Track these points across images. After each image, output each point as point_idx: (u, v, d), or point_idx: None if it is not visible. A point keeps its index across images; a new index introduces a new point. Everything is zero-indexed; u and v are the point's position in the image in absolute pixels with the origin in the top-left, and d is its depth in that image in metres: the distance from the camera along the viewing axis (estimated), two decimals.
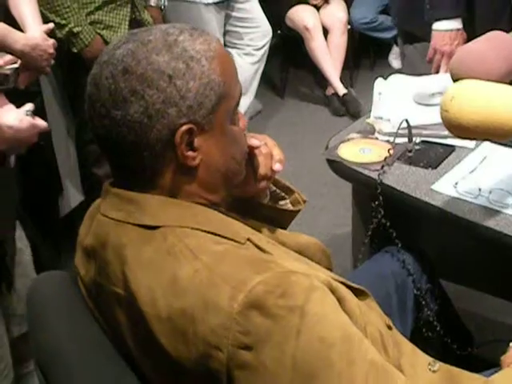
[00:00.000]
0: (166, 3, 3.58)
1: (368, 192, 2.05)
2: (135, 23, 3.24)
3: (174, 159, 1.24)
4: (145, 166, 1.25)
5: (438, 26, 2.65)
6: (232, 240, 1.24)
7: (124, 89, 1.20)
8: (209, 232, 1.24)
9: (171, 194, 1.27)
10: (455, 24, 2.62)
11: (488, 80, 1.52)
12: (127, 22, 3.20)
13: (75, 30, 3.02)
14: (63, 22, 3.00)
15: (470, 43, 1.60)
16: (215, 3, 4.17)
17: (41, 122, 2.12)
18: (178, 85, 1.21)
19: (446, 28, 2.63)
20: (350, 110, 5.03)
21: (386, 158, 2.05)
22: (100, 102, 1.22)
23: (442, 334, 1.91)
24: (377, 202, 1.96)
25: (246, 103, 4.54)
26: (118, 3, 3.15)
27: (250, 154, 1.43)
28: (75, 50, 3.07)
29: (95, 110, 1.24)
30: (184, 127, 1.22)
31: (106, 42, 3.11)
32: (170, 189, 1.27)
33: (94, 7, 3.09)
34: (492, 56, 1.55)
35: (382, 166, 2.02)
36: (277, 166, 1.49)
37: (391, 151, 2.07)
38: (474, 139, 2.00)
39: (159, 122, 1.20)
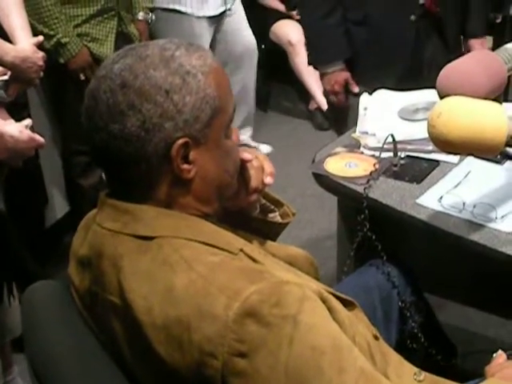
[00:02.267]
0: (154, 18, 3.59)
1: (353, 206, 2.07)
2: (122, 36, 3.28)
3: (169, 172, 1.27)
4: (141, 178, 1.27)
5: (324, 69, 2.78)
6: (226, 251, 1.26)
7: (122, 102, 1.22)
8: (203, 243, 1.26)
9: (166, 206, 1.29)
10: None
11: (474, 96, 1.55)
12: (114, 35, 3.23)
13: (63, 40, 3.04)
14: (51, 32, 3.03)
15: (456, 60, 1.63)
16: (208, 17, 4.16)
17: (39, 137, 2.14)
18: (174, 99, 1.23)
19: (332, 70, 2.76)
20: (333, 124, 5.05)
21: (371, 173, 2.07)
22: (98, 115, 1.24)
23: (426, 345, 1.93)
24: (362, 216, 1.98)
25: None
26: (105, 16, 3.18)
27: (242, 167, 1.45)
28: (62, 61, 3.10)
29: (93, 122, 1.26)
30: (180, 141, 1.24)
31: (93, 54, 3.14)
32: (165, 201, 1.29)
33: (82, 20, 3.12)
34: (478, 73, 1.58)
35: (368, 180, 2.04)
36: (268, 180, 1.51)
37: (377, 165, 2.10)
38: (459, 154, 2.03)
39: (156, 135, 1.23)
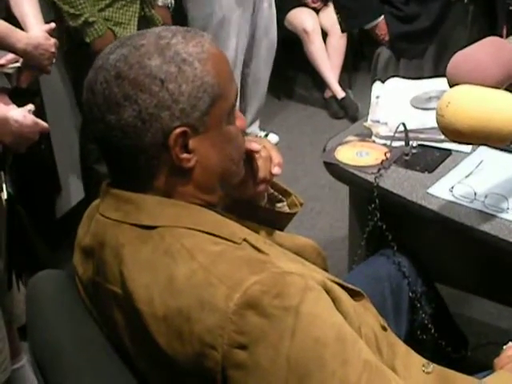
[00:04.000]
0: (173, 2, 3.58)
1: (364, 195, 2.06)
2: (144, 20, 3.27)
3: (168, 161, 1.26)
4: (140, 168, 1.26)
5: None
6: (228, 240, 1.25)
7: (117, 94, 1.22)
8: (205, 232, 1.25)
9: (166, 195, 1.29)
10: None
11: (484, 85, 1.54)
12: (136, 19, 3.22)
13: (91, 19, 3.04)
14: (78, 12, 3.02)
15: (466, 49, 1.61)
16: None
17: (42, 122, 2.15)
18: (170, 89, 1.22)
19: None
20: (349, 112, 5.03)
21: (382, 162, 2.06)
22: (95, 106, 1.24)
23: (436, 336, 1.92)
24: (373, 205, 1.97)
25: None
26: (128, 0, 3.17)
27: (249, 157, 1.45)
28: (88, 40, 3.08)
29: (92, 114, 1.26)
30: (177, 130, 1.23)
31: (116, 37, 3.12)
32: (165, 190, 1.28)
33: (105, 4, 3.11)
34: (488, 61, 1.57)
35: (379, 170, 2.03)
36: (276, 170, 1.50)
37: (388, 154, 2.08)
38: (470, 144, 2.01)
39: (153, 125, 1.22)
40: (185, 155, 1.25)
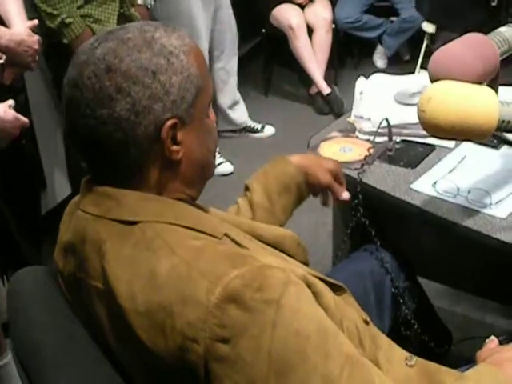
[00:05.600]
0: (153, 2, 3.59)
1: (348, 190, 2.07)
2: (123, 18, 3.27)
3: (159, 154, 1.26)
4: (130, 164, 1.26)
5: None
6: (209, 235, 1.25)
7: (109, 87, 1.21)
8: (187, 227, 1.25)
9: (156, 190, 1.29)
10: None
11: (465, 81, 1.54)
12: (115, 17, 3.22)
13: (67, 20, 3.04)
14: (55, 12, 3.02)
15: (447, 44, 1.62)
16: None
17: (22, 117, 2.15)
18: (161, 80, 1.22)
19: None
20: (334, 108, 5.05)
21: (365, 157, 2.07)
22: (84, 102, 1.23)
23: (419, 331, 1.93)
24: (356, 201, 1.98)
25: None
26: None
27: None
28: (65, 41, 3.08)
29: (78, 110, 1.24)
30: (169, 122, 1.24)
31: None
32: (156, 185, 1.29)
33: (84, 1, 3.11)
34: (469, 57, 1.57)
35: (362, 165, 2.04)
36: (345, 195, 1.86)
37: (371, 150, 2.09)
38: (451, 139, 2.02)
39: (146, 117, 1.22)
40: (174, 147, 1.26)
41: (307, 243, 1.58)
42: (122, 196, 1.27)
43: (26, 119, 2.18)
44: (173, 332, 1.14)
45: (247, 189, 1.80)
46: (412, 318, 1.93)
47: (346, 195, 1.86)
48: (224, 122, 4.63)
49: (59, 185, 3.75)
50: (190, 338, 1.13)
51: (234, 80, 4.69)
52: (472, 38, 1.64)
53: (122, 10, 3.27)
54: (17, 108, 2.20)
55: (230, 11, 4.48)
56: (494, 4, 1.91)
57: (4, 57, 2.41)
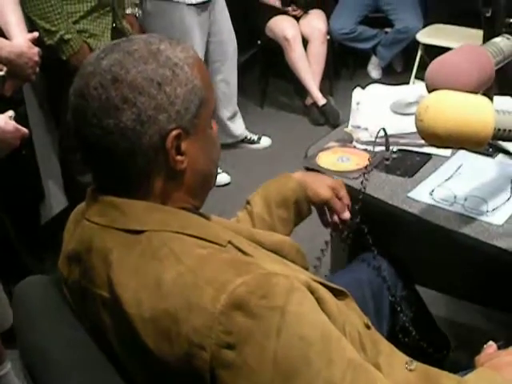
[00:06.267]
0: (141, 12, 3.61)
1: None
2: (116, 31, 3.28)
3: (163, 164, 1.28)
4: (135, 173, 1.28)
5: None
6: (214, 243, 1.27)
7: (115, 97, 1.23)
8: (192, 236, 1.27)
9: (161, 200, 1.31)
10: None
11: (462, 90, 1.56)
12: (109, 31, 3.24)
13: (66, 36, 3.04)
14: (53, 28, 3.02)
15: (444, 55, 1.65)
16: (198, 4, 4.14)
17: (23, 128, 2.17)
18: (167, 91, 1.25)
19: None
20: (330, 119, 5.07)
21: (367, 166, 2.09)
22: (90, 112, 1.24)
23: (417, 339, 1.94)
24: (357, 207, 1.99)
25: None
26: (101, 12, 3.19)
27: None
28: (64, 57, 3.09)
29: (85, 120, 1.26)
30: (174, 132, 1.26)
31: (92, 50, 3.13)
32: (160, 195, 1.31)
33: (79, 16, 3.12)
34: (465, 67, 1.60)
35: (364, 174, 2.06)
36: (346, 215, 1.89)
37: (371, 160, 2.11)
38: (449, 148, 2.04)
39: (151, 127, 1.24)
40: (178, 157, 1.28)
41: (305, 253, 1.59)
42: (127, 206, 1.29)
43: (26, 130, 2.20)
44: (179, 338, 1.16)
45: (248, 203, 1.83)
46: (410, 326, 1.94)
47: (347, 214, 1.88)
48: (223, 133, 4.62)
49: (56, 196, 3.76)
50: (196, 344, 1.15)
51: (234, 92, 4.70)
52: (468, 49, 1.67)
53: (114, 24, 3.29)
54: (17, 119, 2.22)
55: (229, 23, 4.48)
56: (488, 15, 1.94)
57: (5, 68, 2.42)
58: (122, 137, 1.24)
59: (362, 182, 2.03)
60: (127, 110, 1.23)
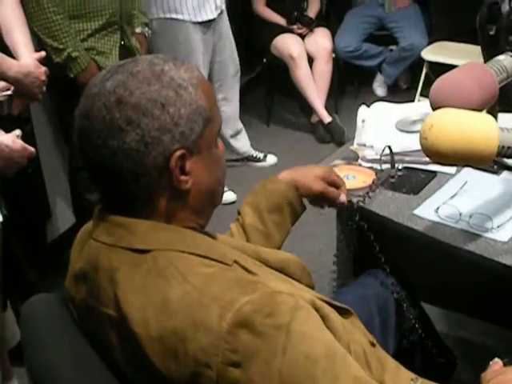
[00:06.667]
0: (150, 32, 3.63)
1: (352, 217, 2.09)
2: (124, 49, 3.29)
3: (168, 184, 1.29)
4: (140, 193, 1.29)
5: None
6: (220, 262, 1.28)
7: (119, 118, 1.24)
8: (198, 255, 1.28)
9: (166, 220, 1.32)
10: None
11: (466, 108, 1.57)
12: (117, 48, 3.25)
13: (73, 54, 3.06)
14: (61, 46, 3.04)
15: (448, 73, 1.65)
16: (204, 23, 4.16)
17: (30, 147, 2.19)
18: (170, 112, 1.25)
19: None
20: (335, 137, 5.07)
21: (371, 185, 2.10)
22: (95, 133, 1.26)
23: (424, 355, 1.94)
24: (355, 225, 2.00)
25: None
26: (109, 30, 3.20)
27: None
28: (72, 75, 3.10)
29: (90, 141, 1.27)
30: (178, 153, 1.26)
31: (100, 68, 3.14)
32: (165, 214, 1.32)
33: (87, 34, 3.13)
34: (469, 85, 1.61)
35: (367, 192, 2.07)
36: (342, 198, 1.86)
37: (377, 177, 2.12)
38: (453, 165, 2.05)
39: (155, 148, 1.25)
40: (183, 177, 1.29)
41: (312, 270, 1.59)
42: (133, 225, 1.30)
43: (32, 149, 2.22)
44: (185, 357, 1.17)
45: (239, 213, 1.83)
46: (417, 342, 1.95)
47: (343, 198, 1.86)
48: (226, 151, 4.62)
49: (63, 214, 3.77)
50: (202, 363, 1.15)
51: (236, 110, 4.70)
52: (471, 67, 1.67)
53: (122, 42, 3.30)
54: (24, 138, 2.23)
55: (232, 42, 4.49)
56: (492, 33, 1.95)
57: (12, 88, 2.44)
58: (126, 158, 1.25)
59: (364, 199, 2.05)
60: (131, 132, 1.24)
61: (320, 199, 1.87)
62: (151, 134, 1.24)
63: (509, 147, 1.57)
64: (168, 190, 1.30)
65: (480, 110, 1.61)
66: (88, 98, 1.29)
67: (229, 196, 4.31)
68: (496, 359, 1.59)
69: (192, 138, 1.28)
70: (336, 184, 1.86)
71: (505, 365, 1.57)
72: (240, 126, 4.77)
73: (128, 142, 1.24)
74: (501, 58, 1.74)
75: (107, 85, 1.27)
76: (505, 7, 1.91)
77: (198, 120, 1.29)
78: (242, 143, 4.82)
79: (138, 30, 3.50)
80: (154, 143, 1.25)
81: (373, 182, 2.11)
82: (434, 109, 1.62)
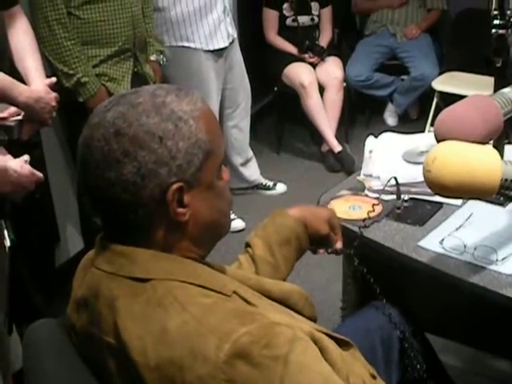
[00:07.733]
0: (165, 59, 3.65)
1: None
2: (137, 76, 3.33)
3: (165, 216, 1.29)
4: (138, 223, 1.29)
5: None
6: (219, 293, 1.28)
7: (117, 150, 1.25)
8: (197, 285, 1.28)
9: (164, 249, 1.32)
10: None
11: (470, 141, 1.57)
12: (130, 75, 3.28)
13: (83, 79, 3.09)
14: (71, 71, 3.08)
15: (452, 105, 1.66)
16: (216, 51, 4.18)
17: (38, 172, 2.21)
18: (168, 145, 1.26)
19: None
20: (345, 166, 5.07)
21: (369, 213, 2.10)
22: (94, 162, 1.27)
23: None
24: (354, 252, 1.99)
25: None
26: (122, 57, 3.23)
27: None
28: (81, 100, 3.13)
29: (89, 170, 1.28)
30: (175, 186, 1.27)
31: (110, 94, 3.16)
32: (163, 244, 1.32)
33: (100, 60, 3.17)
34: (474, 117, 1.61)
35: (364, 220, 2.08)
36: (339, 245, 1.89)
37: (376, 207, 2.12)
38: (456, 197, 2.05)
39: (151, 181, 1.25)
40: (180, 210, 1.29)
41: (318, 300, 1.60)
42: (134, 254, 1.31)
43: (40, 174, 2.24)
44: None
45: (248, 245, 1.83)
46: (420, 373, 1.93)
47: (339, 245, 1.89)
48: (236, 179, 4.63)
49: (72, 239, 3.78)
50: None
51: (246, 138, 4.71)
52: (476, 99, 1.68)
53: (135, 69, 3.33)
54: (32, 163, 2.25)
55: (244, 70, 4.51)
56: (498, 65, 1.96)
57: (22, 113, 2.46)
58: (124, 189, 1.26)
59: (359, 228, 2.07)
60: (128, 164, 1.24)
61: (319, 241, 1.89)
62: (148, 166, 1.25)
63: None
64: (166, 221, 1.30)
65: (485, 143, 1.62)
66: (89, 127, 1.30)
67: (237, 224, 4.31)
68: None
69: (190, 171, 1.28)
70: (335, 229, 1.89)
71: None
72: (250, 153, 4.78)
73: (125, 174, 1.25)
74: (506, 90, 1.75)
75: (108, 115, 1.28)
76: (511, 40, 1.92)
77: (197, 153, 1.29)
78: (252, 171, 4.82)
79: (152, 57, 3.53)
80: (151, 176, 1.25)
81: (370, 211, 2.11)
82: (438, 141, 1.62)
